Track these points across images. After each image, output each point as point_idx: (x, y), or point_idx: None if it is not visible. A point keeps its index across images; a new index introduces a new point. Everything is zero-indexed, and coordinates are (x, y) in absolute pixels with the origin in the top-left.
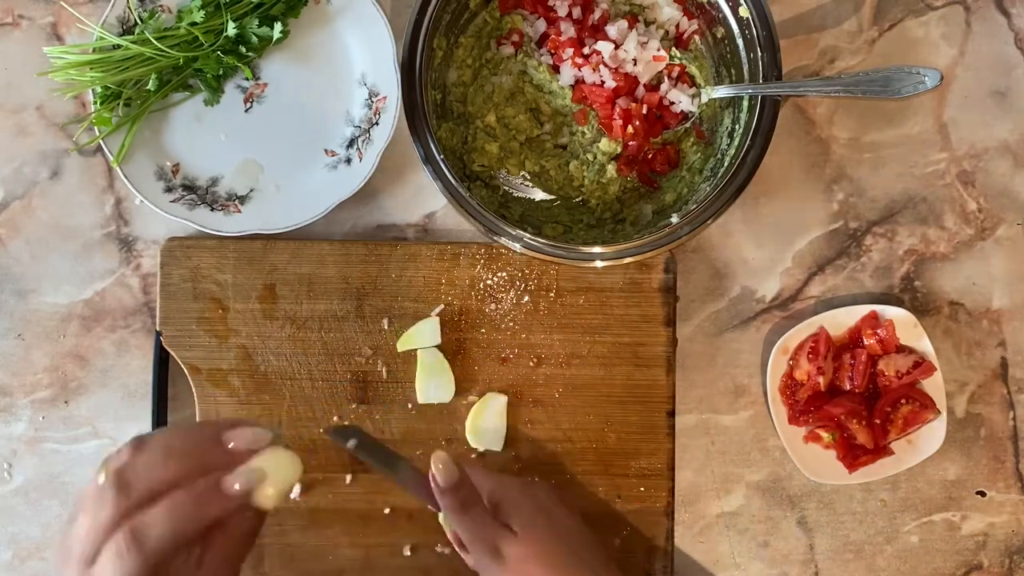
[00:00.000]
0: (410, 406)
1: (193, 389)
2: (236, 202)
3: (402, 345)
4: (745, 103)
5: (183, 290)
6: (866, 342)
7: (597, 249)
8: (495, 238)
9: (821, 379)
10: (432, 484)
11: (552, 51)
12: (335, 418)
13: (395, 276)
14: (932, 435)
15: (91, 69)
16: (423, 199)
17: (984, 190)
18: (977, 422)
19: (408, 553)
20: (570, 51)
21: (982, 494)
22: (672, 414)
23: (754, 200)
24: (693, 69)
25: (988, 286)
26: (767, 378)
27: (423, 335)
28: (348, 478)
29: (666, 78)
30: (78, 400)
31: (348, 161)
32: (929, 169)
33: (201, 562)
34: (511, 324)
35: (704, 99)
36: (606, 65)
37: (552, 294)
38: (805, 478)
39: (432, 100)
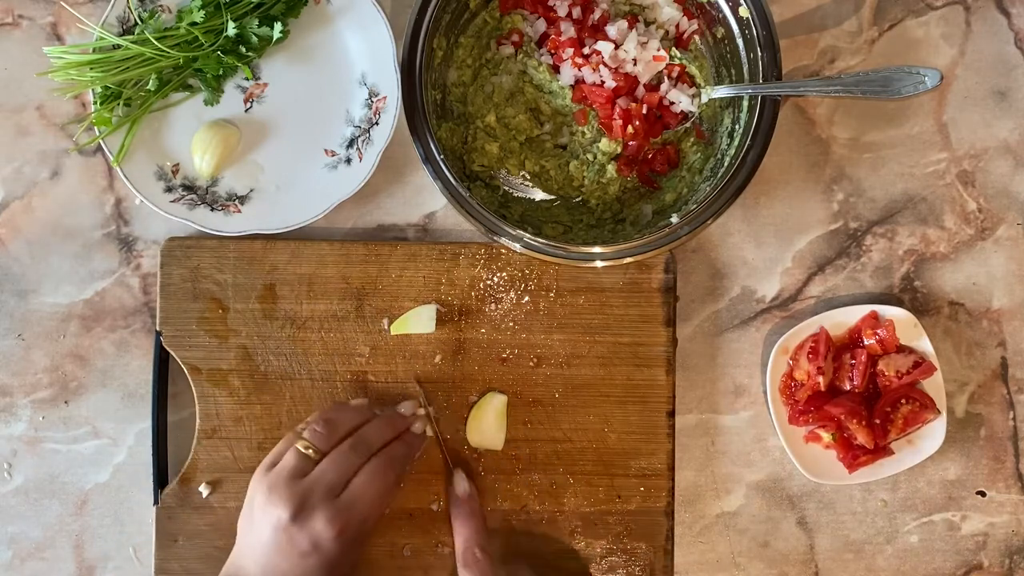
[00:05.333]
0: None
1: (193, 389)
2: (236, 202)
3: (396, 328)
4: (745, 103)
5: (183, 290)
6: (866, 342)
7: (597, 249)
8: (495, 238)
9: (821, 379)
10: (451, 494)
11: (552, 51)
12: None
13: (395, 276)
14: (932, 435)
15: (91, 69)
16: (423, 199)
17: (984, 190)
18: (977, 422)
19: (408, 553)
20: (570, 51)
21: (982, 494)
22: (672, 414)
23: (754, 200)
24: (693, 69)
25: (988, 286)
26: (767, 378)
27: (420, 319)
28: None
29: (666, 78)
30: (78, 400)
31: (348, 161)
32: (929, 169)
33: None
34: (511, 324)
35: (704, 99)
36: (606, 65)
37: (552, 294)
38: (805, 478)
39: (432, 100)
